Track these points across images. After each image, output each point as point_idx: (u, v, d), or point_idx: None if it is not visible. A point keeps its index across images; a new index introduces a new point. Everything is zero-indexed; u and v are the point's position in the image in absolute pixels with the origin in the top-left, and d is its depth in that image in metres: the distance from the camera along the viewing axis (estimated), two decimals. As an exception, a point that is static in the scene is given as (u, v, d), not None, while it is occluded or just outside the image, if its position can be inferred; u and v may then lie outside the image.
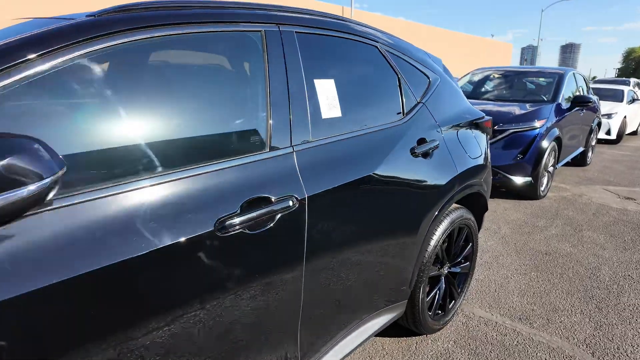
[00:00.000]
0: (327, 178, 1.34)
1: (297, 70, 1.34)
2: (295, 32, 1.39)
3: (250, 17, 1.26)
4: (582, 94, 5.96)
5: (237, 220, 1.04)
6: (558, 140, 4.79)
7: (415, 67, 1.95)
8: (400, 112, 1.79)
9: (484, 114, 2.41)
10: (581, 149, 6.21)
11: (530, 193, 4.59)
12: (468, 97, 5.50)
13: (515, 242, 3.50)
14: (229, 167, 1.09)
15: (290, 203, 1.18)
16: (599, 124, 6.93)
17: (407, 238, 1.73)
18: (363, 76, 1.67)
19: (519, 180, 4.39)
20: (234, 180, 1.09)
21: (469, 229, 2.25)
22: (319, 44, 1.48)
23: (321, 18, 1.53)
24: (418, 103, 1.89)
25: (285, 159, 1.24)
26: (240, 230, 1.06)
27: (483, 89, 5.80)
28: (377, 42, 1.76)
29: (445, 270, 2.17)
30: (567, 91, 5.32)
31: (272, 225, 1.13)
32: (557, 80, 5.27)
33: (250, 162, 1.14)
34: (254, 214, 1.08)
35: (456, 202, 2.23)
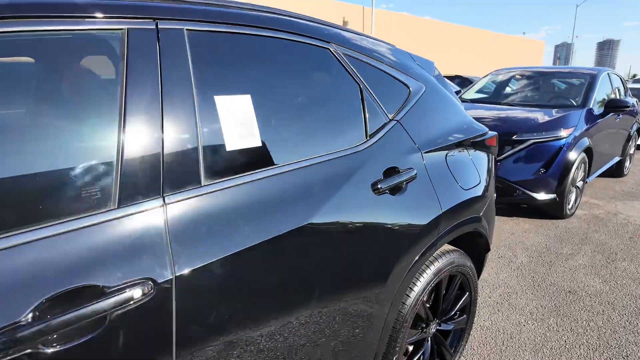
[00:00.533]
0: (225, 240, 0.93)
1: (183, 84, 0.94)
2: (187, 29, 0.99)
3: (105, 8, 0.87)
4: (618, 96, 5.28)
5: (17, 335, 0.65)
6: (588, 151, 4.18)
7: (389, 74, 1.51)
8: (361, 134, 1.35)
9: (487, 130, 1.94)
10: (617, 159, 5.51)
11: (554, 211, 4.01)
12: (486, 101, 4.95)
13: (534, 275, 2.97)
14: (23, 244, 0.70)
15: (139, 292, 0.77)
16: (639, 130, 6.19)
17: (367, 302, 1.29)
18: (305, 89, 1.25)
19: (541, 197, 3.83)
20: (31, 266, 0.69)
21: (465, 276, 1.78)
22: (231, 47, 1.08)
23: (236, 10, 1.12)
24: (390, 121, 1.45)
25: (144, 219, 0.83)
26: (28, 350, 0.66)
27: (504, 92, 5.22)
28: (330, 42, 1.34)
29: (433, 328, 1.72)
30: (601, 94, 4.68)
31: (101, 330, 0.74)
32: (589, 82, 4.64)
33: (71, 231, 0.75)
34: (56, 321, 0.68)
35: (449, 243, 1.77)
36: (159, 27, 0.94)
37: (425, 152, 1.52)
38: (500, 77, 5.47)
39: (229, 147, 1.01)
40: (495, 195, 2.03)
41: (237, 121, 1.04)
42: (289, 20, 1.24)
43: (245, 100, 1.06)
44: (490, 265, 3.11)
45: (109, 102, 0.85)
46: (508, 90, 5.27)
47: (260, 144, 1.07)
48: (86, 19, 0.84)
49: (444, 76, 13.70)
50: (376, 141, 1.38)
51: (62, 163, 0.79)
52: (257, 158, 1.06)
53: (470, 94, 5.44)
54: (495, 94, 5.21)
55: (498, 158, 3.85)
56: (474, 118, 4.23)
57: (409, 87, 1.58)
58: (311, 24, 1.31)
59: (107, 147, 0.84)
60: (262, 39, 1.15)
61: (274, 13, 1.23)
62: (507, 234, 3.73)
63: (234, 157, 1.02)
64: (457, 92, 5.77)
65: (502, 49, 31.21)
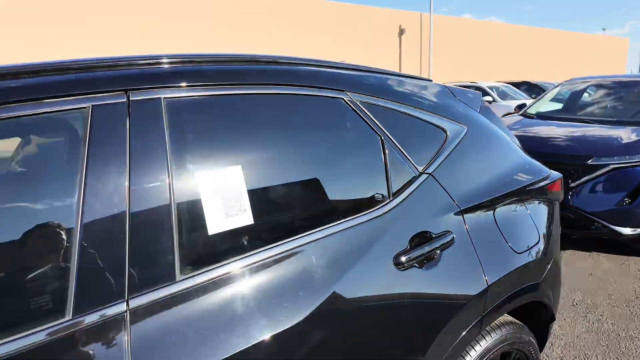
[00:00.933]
0: (206, 349, 0.78)
1: (156, 163, 0.82)
2: (165, 98, 0.87)
3: (64, 86, 0.78)
4: None
5: None
6: (689, 175, 3.49)
7: (419, 118, 1.29)
8: (383, 194, 1.15)
9: (549, 172, 1.61)
10: None
11: (645, 248, 3.39)
12: (557, 117, 4.39)
13: (618, 332, 2.47)
14: None
15: None
16: None
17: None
18: (312, 148, 1.08)
19: (626, 232, 3.25)
20: None
21: (523, 352, 1.47)
22: (220, 111, 0.95)
23: (226, 66, 0.98)
24: (420, 174, 1.23)
25: (101, 332, 0.71)
26: None
27: (576, 107, 4.61)
28: (344, 89, 1.16)
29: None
30: None
31: None
32: (687, 91, 3.93)
33: (13, 355, 0.64)
34: None
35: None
36: (130, 99, 0.83)
37: (467, 209, 1.27)
38: (574, 88, 4.86)
39: (213, 230, 0.87)
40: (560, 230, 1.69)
41: (224, 198, 0.89)
42: (290, 70, 1.08)
43: (234, 172, 0.92)
44: (562, 315, 2.66)
45: (65, 188, 0.75)
46: (583, 103, 4.65)
47: (252, 222, 0.92)
48: (43, 102, 0.75)
49: (508, 83, 12.74)
50: (401, 201, 1.16)
51: (5, 263, 0.69)
52: (248, 239, 0.91)
53: (538, 107, 4.89)
54: (568, 108, 4.62)
55: (572, 185, 3.34)
56: (541, 137, 3.77)
57: (445, 132, 1.35)
58: (320, 70, 1.15)
59: (63, 240, 0.73)
60: (259, 96, 1.00)
61: (274, 62, 1.08)
62: (584, 274, 3.20)
63: (218, 242, 0.87)
64: (522, 106, 5.21)
65: (577, 49, 28.56)
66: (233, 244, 0.89)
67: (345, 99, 1.15)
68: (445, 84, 1.58)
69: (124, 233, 0.77)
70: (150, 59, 0.89)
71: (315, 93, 1.09)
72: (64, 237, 0.74)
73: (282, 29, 17.23)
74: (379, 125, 1.19)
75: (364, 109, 1.17)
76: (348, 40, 19.69)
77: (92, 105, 0.79)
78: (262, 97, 1.01)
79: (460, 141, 1.36)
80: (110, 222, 0.76)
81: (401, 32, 21.97)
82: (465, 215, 1.26)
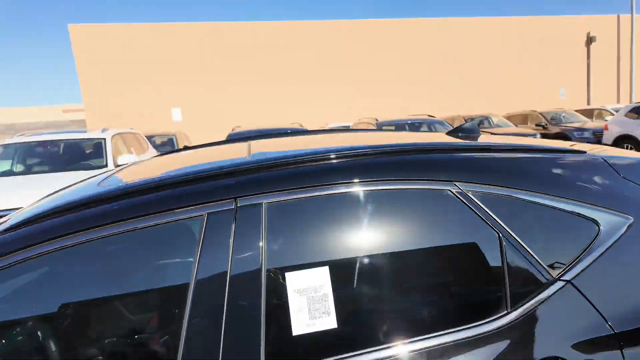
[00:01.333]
0: None
1: (251, 260, 0.92)
2: (266, 202, 0.96)
3: (189, 197, 0.94)
4: None
5: None
6: None
7: (557, 208, 1.06)
8: (499, 305, 0.98)
9: None
10: None
11: None
12: None
13: None
14: None
15: None
16: None
17: None
18: (410, 248, 1.00)
19: None
20: None
21: None
22: (316, 210, 0.98)
23: (325, 161, 1.02)
24: (555, 281, 1.00)
25: None
26: None
27: None
28: (452, 180, 1.05)
29: None
30: None
31: None
32: None
33: None
34: None
35: None
36: (238, 205, 0.94)
37: (626, 334, 0.96)
38: None
39: (297, 331, 0.90)
40: None
41: (310, 300, 0.92)
42: (393, 162, 1.04)
43: (321, 273, 0.93)
44: None
45: (178, 287, 0.90)
46: None
47: (335, 326, 0.91)
48: (175, 211, 0.92)
49: None
50: (524, 315, 0.97)
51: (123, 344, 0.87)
52: (331, 344, 0.90)
53: None
54: None
55: None
56: None
57: (597, 224, 1.06)
58: (422, 157, 1.07)
59: (174, 327, 0.88)
60: (350, 194, 1.00)
61: (365, 154, 1.06)
62: None
63: (302, 342, 0.90)
64: None
65: None
66: (316, 346, 0.90)
67: (453, 190, 1.03)
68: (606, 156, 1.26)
69: (219, 327, 0.87)
70: (256, 165, 1.01)
71: (416, 186, 1.02)
72: (175, 324, 0.88)
73: (465, 47, 17.16)
74: (496, 218, 1.02)
75: (475, 200, 1.03)
76: (527, 55, 17.95)
77: (208, 213, 0.93)
78: (354, 194, 1.00)
79: (620, 237, 1.05)
80: (208, 315, 0.88)
81: (589, 40, 18.68)
82: (623, 342, 0.96)
